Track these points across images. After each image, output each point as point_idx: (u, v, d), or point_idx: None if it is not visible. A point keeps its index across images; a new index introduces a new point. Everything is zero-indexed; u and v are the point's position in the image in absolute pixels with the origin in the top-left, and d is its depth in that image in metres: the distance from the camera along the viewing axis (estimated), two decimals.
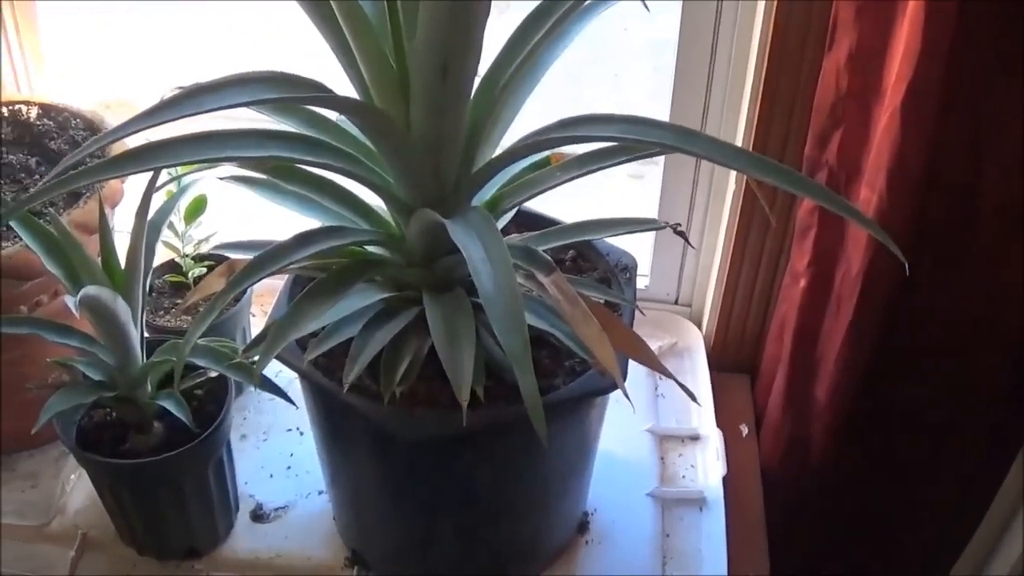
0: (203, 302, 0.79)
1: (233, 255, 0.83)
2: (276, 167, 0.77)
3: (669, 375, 0.76)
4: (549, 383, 0.79)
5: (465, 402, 0.63)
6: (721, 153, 0.64)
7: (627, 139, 0.66)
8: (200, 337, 0.80)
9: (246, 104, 0.58)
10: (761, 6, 0.96)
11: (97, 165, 0.61)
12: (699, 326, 1.23)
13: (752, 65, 1.00)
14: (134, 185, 1.02)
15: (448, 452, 0.81)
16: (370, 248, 0.79)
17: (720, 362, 1.20)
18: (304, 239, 0.71)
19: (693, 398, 0.81)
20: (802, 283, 0.99)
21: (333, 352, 0.78)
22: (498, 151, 0.77)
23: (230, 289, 0.67)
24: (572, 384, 0.79)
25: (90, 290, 0.78)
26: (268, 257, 0.68)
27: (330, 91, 0.65)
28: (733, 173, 1.08)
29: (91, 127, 1.11)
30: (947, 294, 0.92)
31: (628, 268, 0.90)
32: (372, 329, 0.75)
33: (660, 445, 1.10)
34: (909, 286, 0.66)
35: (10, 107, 1.14)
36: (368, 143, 0.73)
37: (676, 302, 1.25)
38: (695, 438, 1.11)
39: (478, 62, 0.67)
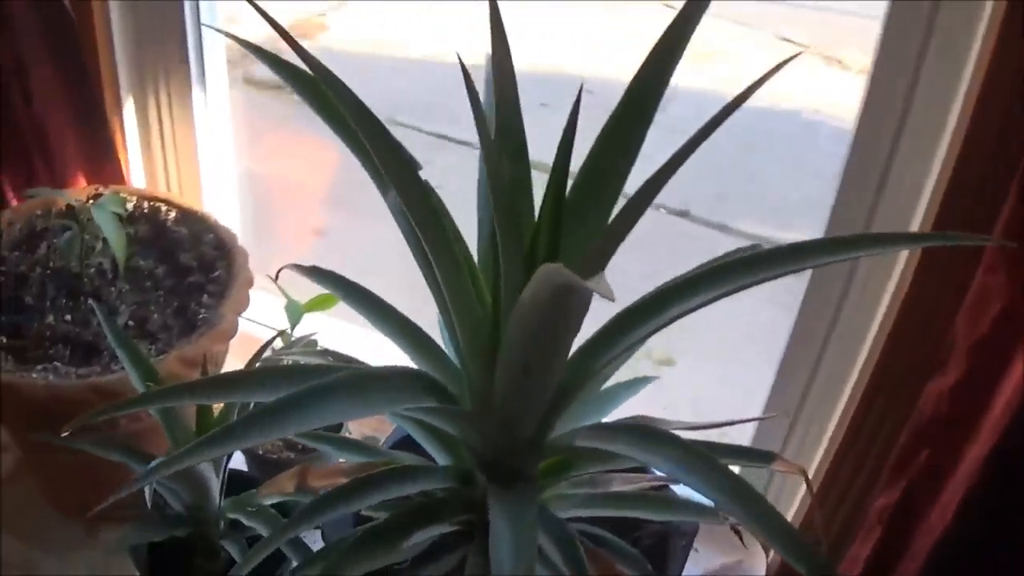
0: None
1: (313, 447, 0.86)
2: None
3: None
4: None
5: None
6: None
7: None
8: None
9: (359, 417, 0.61)
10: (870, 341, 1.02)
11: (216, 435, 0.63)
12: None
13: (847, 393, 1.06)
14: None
15: None
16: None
17: None
18: (372, 484, 0.74)
19: None
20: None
21: None
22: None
23: (292, 527, 0.71)
24: None
25: None
26: (330, 501, 0.72)
27: (454, 403, 0.70)
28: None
29: (222, 246, 1.15)
30: None
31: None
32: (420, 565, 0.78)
33: None
34: None
35: (151, 203, 1.18)
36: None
37: None
38: None
39: (564, 362, 0.70)
